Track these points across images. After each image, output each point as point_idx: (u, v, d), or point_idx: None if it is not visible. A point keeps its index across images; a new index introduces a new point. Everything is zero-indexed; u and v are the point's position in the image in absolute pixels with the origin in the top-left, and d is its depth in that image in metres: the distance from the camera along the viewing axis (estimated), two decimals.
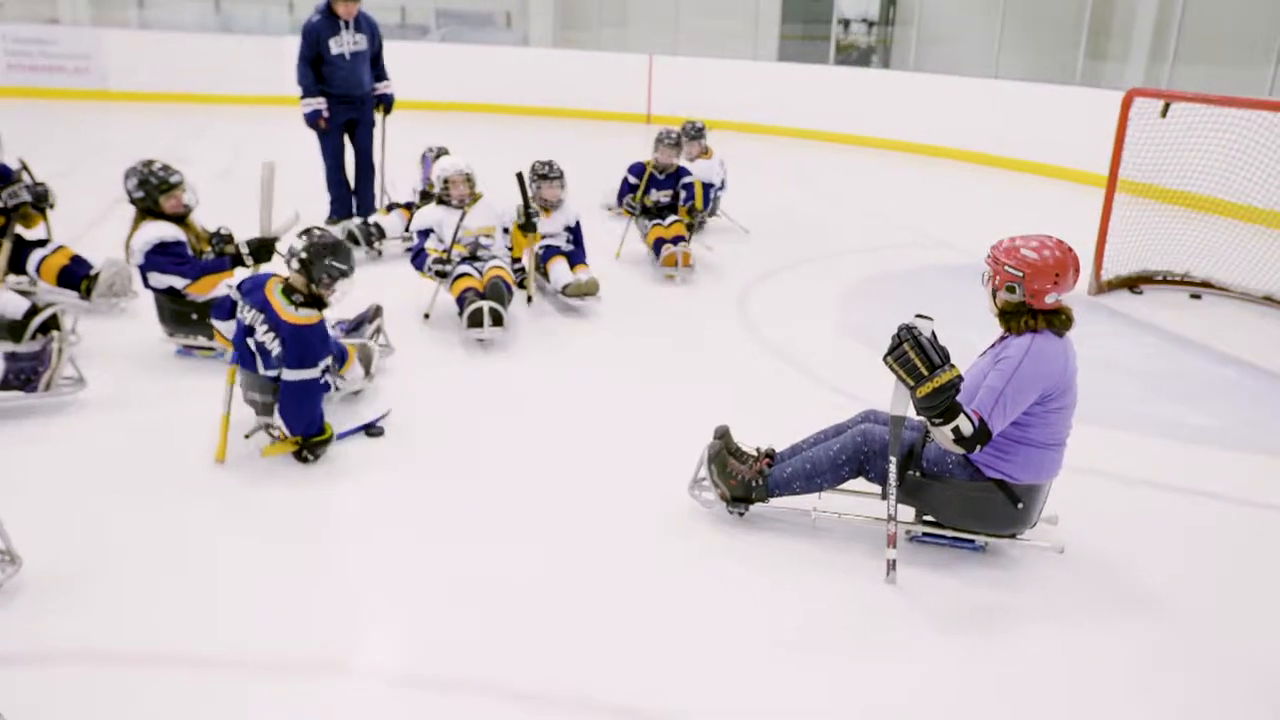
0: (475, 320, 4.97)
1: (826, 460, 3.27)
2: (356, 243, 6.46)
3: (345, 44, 6.80)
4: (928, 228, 8.33)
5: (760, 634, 2.88)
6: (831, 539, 3.36)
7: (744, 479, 3.36)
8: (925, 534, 3.32)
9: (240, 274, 4.60)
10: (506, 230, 5.53)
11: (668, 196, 6.89)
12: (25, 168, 5.31)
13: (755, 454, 3.46)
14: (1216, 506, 3.77)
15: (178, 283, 4.46)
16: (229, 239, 4.60)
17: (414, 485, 3.67)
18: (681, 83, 13.98)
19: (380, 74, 7.14)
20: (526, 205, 5.45)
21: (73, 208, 6.58)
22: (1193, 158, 6.42)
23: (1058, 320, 3.06)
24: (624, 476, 3.77)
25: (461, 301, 5.09)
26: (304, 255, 3.65)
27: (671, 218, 6.68)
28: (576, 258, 5.84)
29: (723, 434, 3.49)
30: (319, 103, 6.78)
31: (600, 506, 3.55)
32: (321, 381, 3.71)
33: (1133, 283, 6.63)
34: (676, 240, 6.46)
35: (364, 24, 6.89)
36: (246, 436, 3.87)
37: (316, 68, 6.76)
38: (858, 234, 8.09)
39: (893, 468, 3.11)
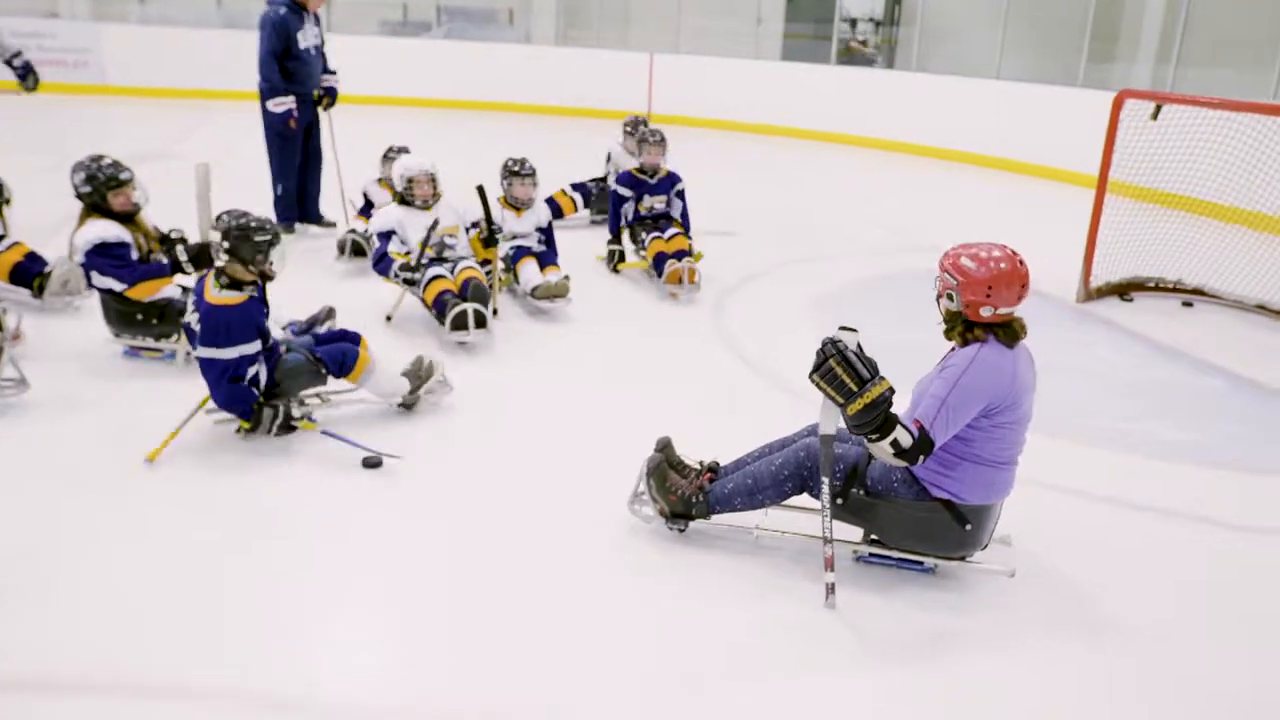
0: (460, 323, 4.85)
1: (768, 476, 3.12)
2: (362, 253, 6.21)
3: (310, 38, 6.56)
4: (919, 230, 8.15)
5: (689, 657, 2.74)
6: (774, 558, 3.21)
7: (684, 494, 3.22)
8: (872, 555, 3.17)
9: (181, 280, 4.50)
10: (468, 230, 5.38)
11: (661, 203, 6.29)
12: None
13: (698, 467, 3.32)
14: (1186, 527, 3.61)
15: (116, 285, 4.35)
16: (179, 242, 4.48)
17: (359, 489, 3.54)
18: (682, 81, 13.84)
19: (327, 67, 6.85)
20: (488, 220, 5.28)
21: (54, 203, 6.47)
22: (1190, 161, 6.24)
23: (1003, 333, 2.90)
24: (569, 490, 3.62)
25: (440, 305, 4.94)
26: (228, 245, 3.61)
27: (671, 230, 6.14)
28: (547, 259, 5.70)
29: (664, 446, 3.35)
30: (291, 101, 6.49)
31: (541, 521, 3.41)
32: (250, 374, 3.66)
33: (1123, 289, 6.44)
34: (680, 255, 5.96)
35: (317, 16, 6.68)
36: (208, 411, 3.85)
37: (281, 64, 6.47)
38: (846, 236, 7.92)
39: (826, 487, 2.96)
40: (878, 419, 2.76)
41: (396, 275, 5.07)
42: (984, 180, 10.83)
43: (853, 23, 15.11)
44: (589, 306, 5.68)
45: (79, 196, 4.46)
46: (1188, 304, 6.35)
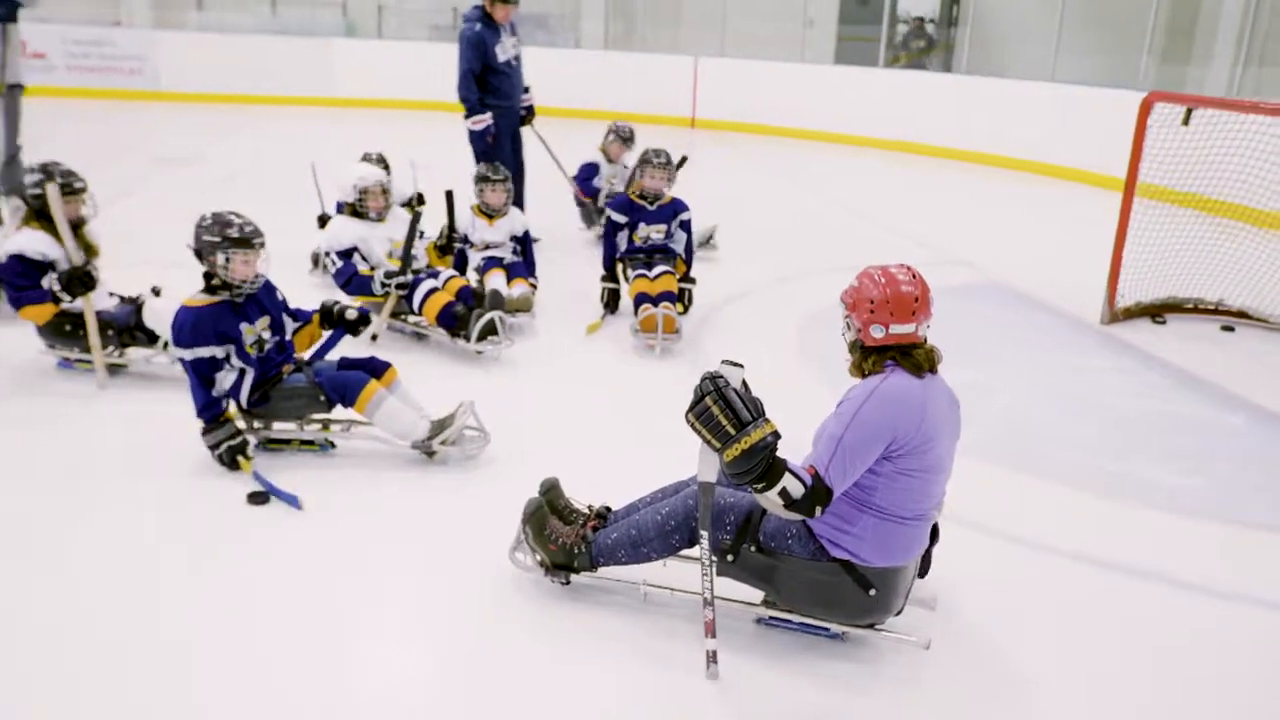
0: (489, 330, 4.70)
1: (653, 526, 2.78)
2: None
3: (508, 49, 6.40)
4: (951, 243, 7.65)
5: None
6: (663, 618, 2.86)
7: (565, 544, 2.89)
8: (773, 618, 2.80)
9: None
10: (421, 235, 5.13)
11: (660, 234, 5.43)
12: None
13: (586, 512, 2.99)
14: (1151, 590, 3.13)
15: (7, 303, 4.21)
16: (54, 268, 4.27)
17: (260, 523, 3.31)
18: (727, 86, 13.49)
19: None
20: (451, 227, 5.09)
21: None
22: (1241, 167, 5.66)
23: (907, 361, 2.52)
24: (457, 534, 3.30)
25: (450, 319, 4.76)
26: (194, 246, 3.54)
27: (660, 268, 5.28)
28: (517, 271, 5.41)
29: (548, 489, 3.03)
30: (488, 119, 6.33)
31: (418, 569, 3.11)
32: (221, 380, 3.56)
33: (1156, 311, 5.88)
34: (662, 298, 5.08)
35: (513, 26, 6.49)
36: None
37: (480, 80, 6.30)
38: (868, 249, 7.46)
39: (705, 542, 2.61)
40: (758, 467, 2.40)
41: (384, 286, 4.81)
42: (1035, 188, 10.22)
43: (919, 22, 14.51)
44: (560, 318, 5.39)
45: (25, 200, 4.32)
46: (1228, 328, 5.76)
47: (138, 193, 8.13)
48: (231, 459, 3.54)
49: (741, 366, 2.48)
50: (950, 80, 12.44)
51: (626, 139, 7.26)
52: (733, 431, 2.40)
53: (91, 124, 11.92)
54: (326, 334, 3.97)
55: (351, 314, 3.90)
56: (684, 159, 7.04)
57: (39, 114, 7.41)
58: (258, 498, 3.41)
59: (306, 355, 3.91)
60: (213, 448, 3.55)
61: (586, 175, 7.27)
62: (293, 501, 3.40)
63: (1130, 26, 10.85)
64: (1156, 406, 4.63)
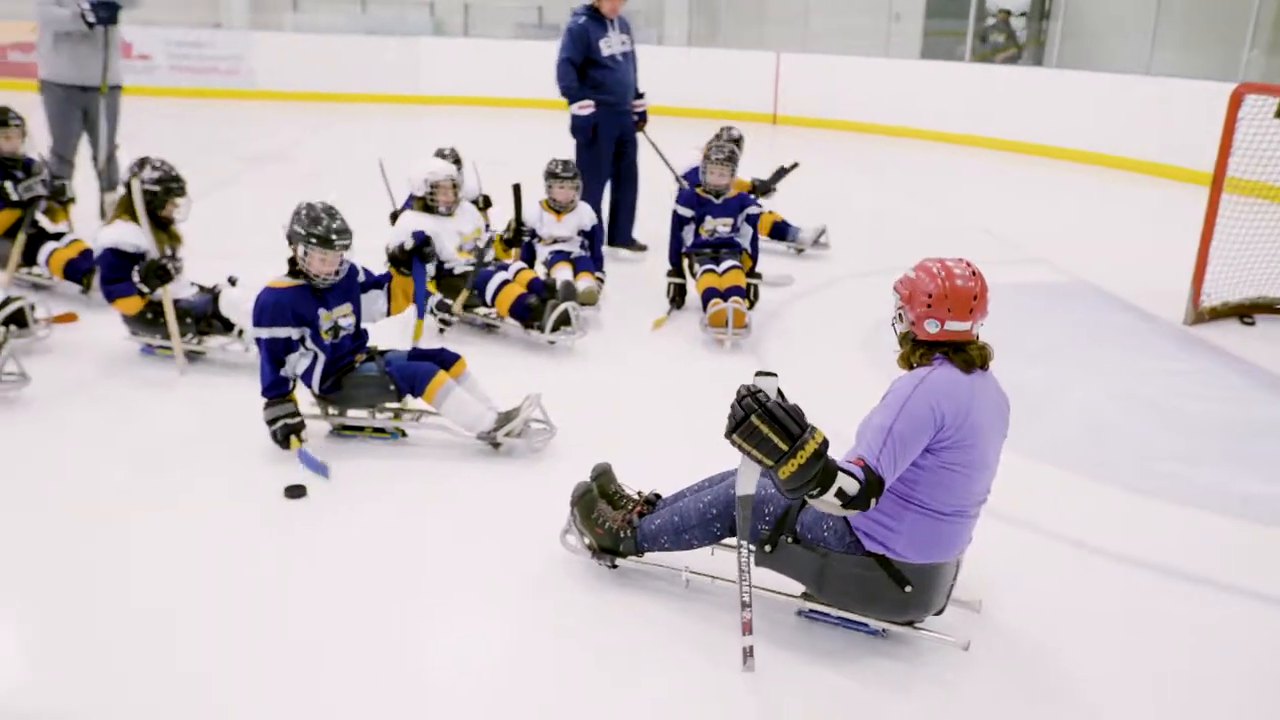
0: (563, 321, 4.81)
1: (695, 514, 2.80)
2: None
3: (614, 45, 6.29)
4: (1035, 240, 7.46)
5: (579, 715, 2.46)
6: (703, 606, 2.87)
7: (612, 528, 2.92)
8: (813, 611, 2.78)
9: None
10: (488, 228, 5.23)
11: (726, 227, 5.47)
12: (46, 162, 5.42)
13: (636, 498, 3.02)
14: (1224, 602, 3.02)
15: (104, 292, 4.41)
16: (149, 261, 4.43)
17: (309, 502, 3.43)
18: (810, 81, 13.37)
19: (638, 86, 6.58)
20: (518, 220, 5.19)
21: None
22: None
23: (958, 357, 2.48)
24: (525, 518, 3.35)
25: (524, 310, 4.85)
26: (287, 231, 3.68)
27: (728, 263, 5.28)
28: (584, 265, 5.47)
29: (600, 474, 3.06)
30: (592, 104, 6.22)
31: (481, 550, 3.18)
32: (293, 362, 3.68)
33: (1244, 311, 5.65)
34: (731, 293, 5.12)
35: (625, 24, 6.40)
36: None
37: (583, 73, 6.25)
38: (944, 246, 7.21)
39: (743, 552, 2.58)
40: (815, 478, 2.31)
41: (442, 323, 4.95)
42: (1127, 185, 9.91)
43: (1004, 15, 14.16)
44: (625, 312, 5.44)
45: (129, 190, 4.47)
46: None
47: (224, 188, 8.43)
48: (285, 437, 3.64)
49: (775, 375, 2.40)
50: (1041, 74, 12.15)
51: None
52: (785, 447, 2.30)
53: (188, 122, 12.38)
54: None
55: (409, 243, 4.03)
56: (795, 164, 7.00)
57: (141, 113, 7.74)
58: (295, 491, 3.47)
59: (410, 310, 4.08)
60: (270, 422, 3.66)
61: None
62: (323, 471, 3.54)
63: (1231, 19, 10.42)
64: (1237, 411, 4.45)
